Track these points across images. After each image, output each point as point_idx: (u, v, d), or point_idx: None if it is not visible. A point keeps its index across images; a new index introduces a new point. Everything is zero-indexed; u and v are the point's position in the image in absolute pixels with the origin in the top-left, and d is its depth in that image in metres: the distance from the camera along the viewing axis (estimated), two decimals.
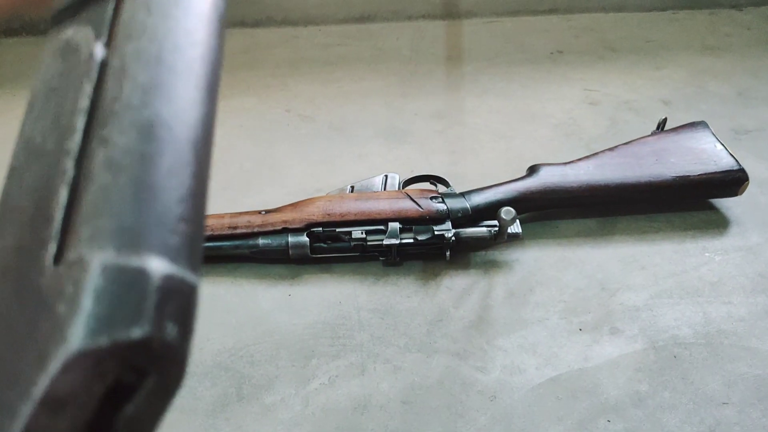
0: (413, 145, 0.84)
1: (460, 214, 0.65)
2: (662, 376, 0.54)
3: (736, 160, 0.68)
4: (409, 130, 0.87)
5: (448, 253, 0.65)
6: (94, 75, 0.23)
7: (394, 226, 0.64)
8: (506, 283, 0.63)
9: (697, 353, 0.56)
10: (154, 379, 0.19)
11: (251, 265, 0.66)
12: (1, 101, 0.96)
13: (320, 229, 0.64)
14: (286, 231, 0.64)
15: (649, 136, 0.73)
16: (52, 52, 0.25)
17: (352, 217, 0.64)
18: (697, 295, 0.62)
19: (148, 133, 0.21)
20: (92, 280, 0.18)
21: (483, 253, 0.67)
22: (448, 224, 0.64)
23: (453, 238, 0.63)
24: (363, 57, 1.05)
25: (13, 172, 0.23)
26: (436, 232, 0.64)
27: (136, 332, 0.18)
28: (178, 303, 0.19)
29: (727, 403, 0.52)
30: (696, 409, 0.52)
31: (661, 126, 0.75)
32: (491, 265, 0.65)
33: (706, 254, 0.66)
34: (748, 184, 0.68)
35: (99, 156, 0.20)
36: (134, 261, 0.19)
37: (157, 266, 0.19)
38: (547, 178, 0.68)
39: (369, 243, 0.64)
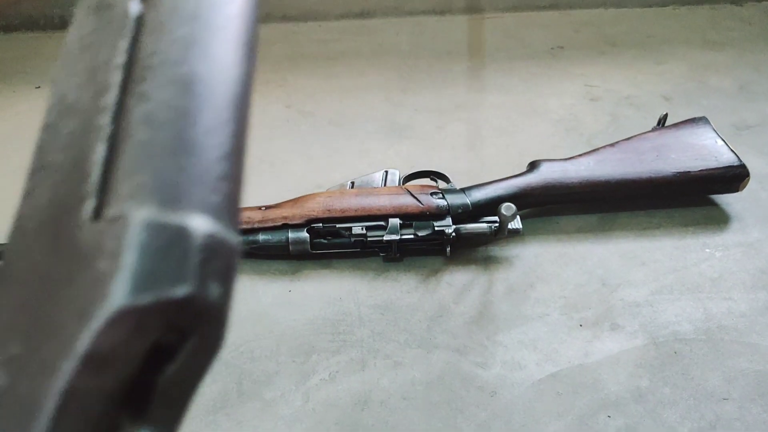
0: (413, 141, 0.83)
1: (460, 210, 0.65)
2: (663, 372, 0.54)
3: (737, 156, 0.68)
4: (410, 125, 0.87)
5: (448, 249, 0.65)
6: (129, 31, 0.22)
7: (395, 221, 0.64)
8: (506, 279, 0.63)
9: (697, 349, 0.56)
10: (195, 339, 0.19)
11: (251, 261, 0.66)
12: (1, 97, 0.96)
13: (320, 224, 0.64)
14: (286, 227, 0.64)
15: (649, 131, 0.73)
16: (86, 10, 0.24)
17: (353, 213, 0.64)
18: (697, 290, 0.62)
19: (187, 88, 0.20)
20: (134, 237, 0.18)
21: (483, 248, 0.67)
22: (449, 220, 0.64)
23: (453, 234, 0.63)
24: (363, 52, 1.05)
25: (47, 129, 0.23)
26: (436, 228, 0.63)
27: (180, 290, 0.18)
28: (220, 262, 0.19)
29: (727, 399, 0.52)
30: (696, 404, 0.52)
31: (661, 122, 0.74)
32: (491, 261, 0.65)
33: (707, 250, 0.66)
34: (748, 179, 0.68)
35: (137, 111, 0.20)
36: (176, 218, 0.18)
37: (200, 224, 0.19)
38: (547, 173, 0.68)
39: (369, 239, 0.64)
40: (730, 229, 0.68)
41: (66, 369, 0.17)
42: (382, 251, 0.66)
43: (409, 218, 0.64)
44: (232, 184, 0.20)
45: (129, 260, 0.17)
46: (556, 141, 0.82)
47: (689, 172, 0.68)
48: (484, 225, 0.64)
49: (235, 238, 0.19)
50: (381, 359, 0.56)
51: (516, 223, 0.64)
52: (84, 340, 0.17)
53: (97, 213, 0.19)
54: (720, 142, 0.70)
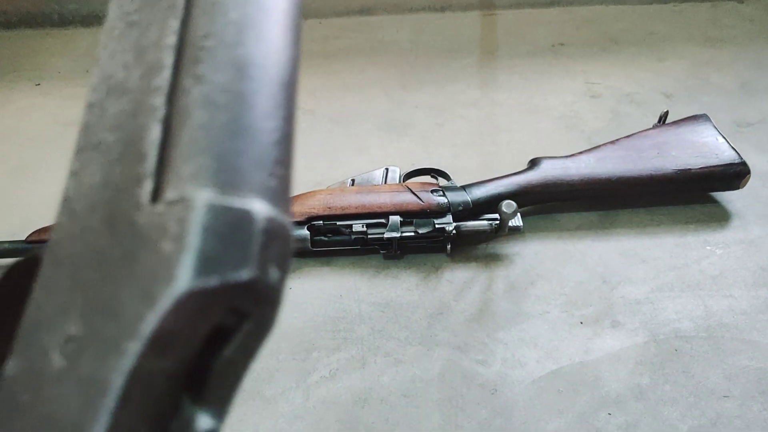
0: (414, 138, 0.83)
1: (461, 208, 0.65)
2: (663, 370, 0.54)
3: (738, 153, 0.68)
4: (410, 122, 0.87)
5: (448, 247, 0.65)
6: (179, 11, 0.22)
7: (395, 219, 0.64)
8: (507, 277, 0.63)
9: (698, 346, 0.56)
10: (251, 321, 0.19)
11: None
12: (1, 95, 0.96)
13: (321, 222, 0.64)
14: None
15: (650, 129, 0.73)
16: None
17: (353, 210, 0.64)
18: (698, 288, 0.62)
19: (244, 71, 0.20)
20: (199, 219, 0.18)
21: (484, 246, 0.67)
22: (449, 217, 0.64)
23: (454, 232, 0.63)
24: (363, 49, 1.05)
25: (93, 108, 0.22)
26: (436, 226, 0.63)
27: (244, 274, 0.18)
28: (279, 246, 0.19)
29: (728, 397, 0.52)
30: (697, 402, 0.52)
31: (662, 119, 0.74)
32: (492, 259, 0.65)
33: (708, 247, 0.66)
34: (749, 177, 0.68)
35: (195, 93, 0.20)
36: (239, 201, 0.18)
37: (261, 208, 0.19)
38: (548, 171, 0.68)
39: (370, 236, 0.64)
40: (730, 226, 0.68)
41: (132, 350, 0.17)
42: (383, 248, 0.65)
43: (409, 216, 0.64)
44: (286, 169, 0.20)
45: (194, 243, 0.17)
46: (556, 138, 0.82)
47: (690, 169, 0.67)
48: (485, 222, 0.64)
49: (289, 223, 0.20)
50: (381, 357, 0.56)
51: (516, 221, 0.64)
52: (150, 322, 0.17)
53: (156, 195, 0.19)
54: (721, 140, 0.70)
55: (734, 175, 0.67)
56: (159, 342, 0.17)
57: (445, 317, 0.59)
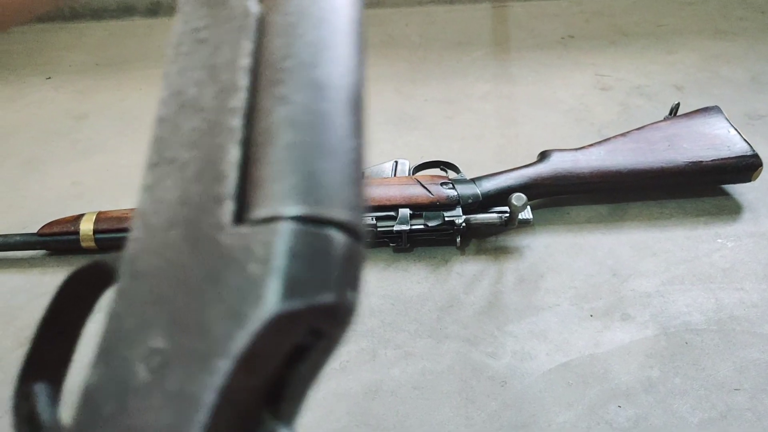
0: (423, 131, 0.83)
1: (470, 200, 0.64)
2: (673, 362, 0.54)
3: (750, 146, 0.68)
4: (419, 116, 0.87)
5: (458, 240, 0.65)
6: (252, 32, 0.22)
7: (405, 212, 0.64)
8: (517, 270, 0.63)
9: (708, 339, 0.56)
10: (326, 339, 0.19)
11: None
12: (12, 88, 0.97)
13: None
14: None
15: (661, 121, 0.73)
16: (195, 1, 0.24)
17: None
18: (709, 281, 0.61)
19: (323, 92, 0.21)
20: (285, 242, 0.18)
21: (493, 239, 0.67)
22: (459, 210, 0.64)
23: (463, 225, 0.63)
24: (372, 43, 1.05)
25: (164, 123, 0.23)
26: (446, 218, 0.63)
27: (328, 297, 0.18)
28: (356, 269, 0.20)
29: (738, 389, 0.52)
30: (707, 395, 0.52)
31: (673, 111, 0.74)
32: (502, 252, 0.65)
33: (719, 240, 0.66)
34: (761, 169, 0.67)
35: (278, 114, 0.20)
36: (324, 224, 0.19)
37: (343, 231, 0.19)
38: (558, 164, 0.68)
39: (379, 229, 0.64)
40: (742, 219, 0.68)
41: (223, 368, 0.17)
42: (392, 242, 0.66)
43: (419, 208, 0.64)
44: (361, 189, 0.21)
45: (281, 265, 0.18)
46: (566, 131, 0.82)
47: (701, 161, 0.67)
48: (495, 215, 0.64)
49: (364, 244, 0.20)
50: (391, 349, 0.56)
51: (526, 214, 0.64)
52: (240, 342, 0.17)
53: (240, 216, 0.20)
54: (732, 132, 0.69)
55: (746, 167, 0.67)
56: (248, 361, 0.18)
57: (455, 310, 0.59)
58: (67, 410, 0.23)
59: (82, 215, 0.65)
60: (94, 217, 0.64)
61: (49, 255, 0.67)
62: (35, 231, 0.65)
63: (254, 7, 0.23)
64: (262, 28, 0.23)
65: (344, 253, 0.19)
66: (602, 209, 0.70)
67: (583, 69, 0.95)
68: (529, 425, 0.50)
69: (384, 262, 0.65)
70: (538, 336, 0.57)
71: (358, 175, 0.20)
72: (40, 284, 0.64)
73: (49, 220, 0.66)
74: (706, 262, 0.63)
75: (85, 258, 0.69)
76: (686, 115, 0.73)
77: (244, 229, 0.19)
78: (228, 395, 0.17)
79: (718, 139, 0.69)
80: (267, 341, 0.18)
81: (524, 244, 0.66)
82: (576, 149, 0.69)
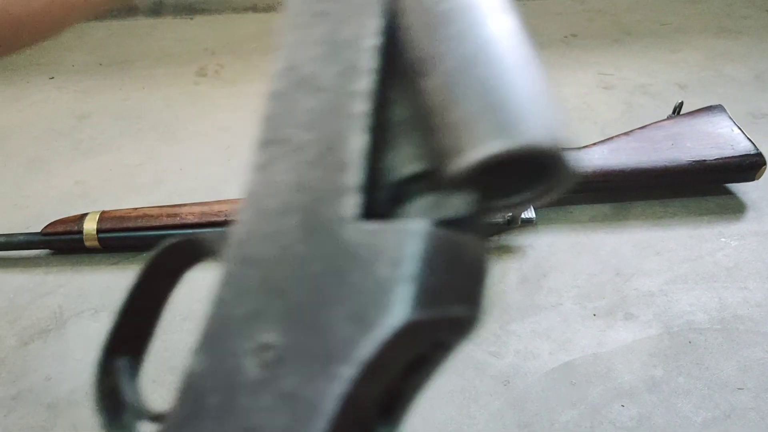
0: None
1: None
2: (677, 362, 0.54)
3: (754, 144, 0.68)
4: None
5: None
6: (376, 9, 0.21)
7: None
8: (519, 269, 0.63)
9: (712, 339, 0.56)
10: (445, 350, 0.19)
11: None
12: (16, 89, 0.97)
13: None
14: None
15: (664, 120, 0.72)
16: None
17: None
18: (712, 280, 0.61)
19: (494, 27, 0.20)
20: (418, 245, 0.17)
21: (496, 238, 0.67)
22: None
23: None
24: None
25: (279, 98, 0.22)
26: None
27: (461, 311, 0.17)
28: (485, 279, 0.19)
29: (742, 389, 0.52)
30: (711, 394, 0.52)
31: (677, 110, 0.74)
32: (504, 251, 0.65)
33: (722, 239, 0.66)
34: (765, 168, 0.67)
35: (459, 52, 0.19)
36: (458, 235, 0.18)
37: (477, 242, 0.19)
38: None
39: None
40: (746, 218, 0.68)
41: (345, 375, 0.16)
42: None
43: None
44: (558, 112, 0.20)
45: (414, 271, 0.17)
46: (569, 130, 0.81)
47: (705, 160, 0.67)
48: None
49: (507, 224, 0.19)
50: None
51: (529, 213, 0.64)
52: (366, 349, 0.16)
53: (367, 211, 0.19)
54: (736, 131, 0.69)
55: (750, 166, 0.67)
56: (371, 369, 0.17)
57: None
58: (146, 386, 0.23)
59: (85, 214, 0.65)
60: (98, 216, 0.65)
61: (53, 254, 0.67)
62: (39, 230, 0.65)
63: None
64: (390, 6, 0.21)
65: (479, 260, 0.18)
66: (605, 208, 0.70)
67: (586, 68, 0.95)
68: (532, 424, 0.50)
69: None
70: (541, 335, 0.57)
71: (552, 100, 0.19)
72: (44, 284, 0.64)
73: (53, 220, 0.66)
74: (709, 261, 0.63)
75: (89, 258, 0.69)
76: (690, 113, 0.72)
77: (370, 227, 0.18)
78: (348, 403, 0.16)
79: (721, 138, 0.69)
80: (393, 350, 0.17)
81: (526, 244, 0.66)
82: (579, 148, 0.69)
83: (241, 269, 0.19)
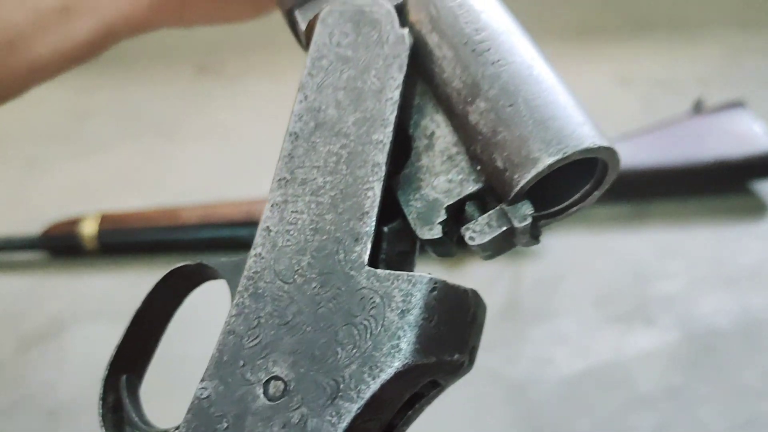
0: None
1: None
2: (697, 368, 0.53)
3: None
4: None
5: None
6: (403, 62, 0.22)
7: None
8: (534, 272, 0.62)
9: (734, 344, 0.55)
10: (439, 389, 0.21)
11: None
12: None
13: None
14: None
15: (684, 117, 0.71)
16: (339, 15, 0.24)
17: None
18: (734, 283, 0.60)
19: (528, 52, 0.23)
20: (424, 295, 0.19)
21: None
22: None
23: None
24: None
25: (299, 140, 0.23)
26: None
27: (457, 357, 0.20)
28: (481, 326, 0.22)
29: (764, 396, 0.51)
30: (732, 401, 0.51)
31: (697, 106, 0.72)
32: (519, 253, 0.64)
33: (744, 240, 0.64)
34: None
35: (505, 73, 0.22)
36: (457, 286, 0.20)
37: (473, 293, 0.21)
38: None
39: None
40: None
41: (350, 410, 0.18)
42: None
43: None
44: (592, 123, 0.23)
45: (419, 319, 0.19)
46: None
47: (726, 159, 0.66)
48: None
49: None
50: None
51: None
52: (371, 388, 0.18)
53: (376, 260, 0.21)
54: (759, 128, 0.68)
55: None
56: (373, 406, 0.19)
57: None
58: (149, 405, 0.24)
59: (85, 216, 0.65)
60: (98, 218, 0.64)
61: (52, 256, 0.67)
62: (37, 232, 0.65)
63: (408, 38, 0.23)
64: (420, 60, 0.23)
65: (476, 311, 0.21)
66: (623, 208, 0.68)
67: (601, 62, 0.93)
68: None
69: None
70: (556, 341, 0.56)
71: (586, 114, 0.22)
72: (43, 287, 0.63)
73: (52, 221, 0.65)
74: (731, 263, 0.62)
75: (89, 260, 0.68)
76: (710, 110, 0.71)
77: (381, 274, 0.20)
78: None
79: (743, 135, 0.67)
80: (394, 389, 0.19)
81: (542, 245, 0.64)
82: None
83: (252, 303, 0.21)
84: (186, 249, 0.64)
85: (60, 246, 0.65)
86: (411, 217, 0.22)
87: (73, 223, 0.64)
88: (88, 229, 0.64)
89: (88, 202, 0.73)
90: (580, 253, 0.64)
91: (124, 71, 0.98)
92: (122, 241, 0.64)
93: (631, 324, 0.57)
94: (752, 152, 0.66)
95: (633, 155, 0.67)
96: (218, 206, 0.64)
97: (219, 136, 0.82)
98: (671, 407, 0.50)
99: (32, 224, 0.69)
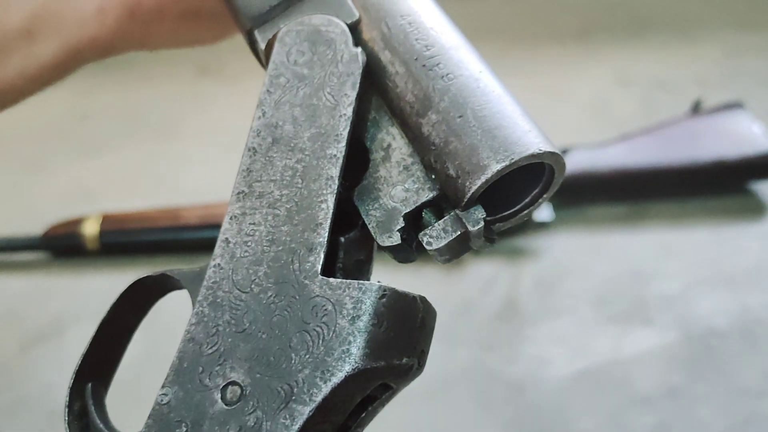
0: None
1: None
2: (696, 368, 0.53)
3: None
4: None
5: None
6: (356, 80, 0.23)
7: None
8: (533, 272, 0.62)
9: (732, 344, 0.55)
10: (391, 392, 0.22)
11: None
12: None
13: None
14: None
15: (683, 117, 0.71)
16: (296, 34, 0.25)
17: None
18: (733, 283, 0.60)
19: (475, 65, 0.24)
20: (373, 305, 0.20)
21: (509, 240, 0.66)
22: None
23: None
24: None
25: (257, 155, 0.24)
26: None
27: (406, 360, 0.21)
28: (431, 331, 0.22)
29: (763, 395, 0.51)
30: (731, 401, 0.51)
31: (695, 107, 0.73)
32: (518, 253, 0.64)
33: (743, 241, 0.64)
34: None
35: (455, 86, 0.23)
36: (406, 294, 0.21)
37: (423, 299, 0.22)
38: (576, 162, 0.66)
39: None
40: (767, 218, 0.66)
41: (303, 412, 0.19)
42: None
43: None
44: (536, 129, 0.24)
45: (369, 325, 0.20)
46: (584, 127, 0.80)
47: (725, 159, 0.66)
48: None
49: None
50: None
51: (545, 215, 0.63)
52: (323, 391, 0.19)
53: (329, 270, 0.22)
54: (757, 129, 0.68)
55: None
56: (325, 408, 0.19)
57: (469, 314, 0.59)
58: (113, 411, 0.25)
59: (86, 217, 0.65)
60: (99, 218, 0.64)
61: (54, 257, 0.67)
62: (39, 233, 0.65)
63: (362, 56, 0.24)
64: (369, 77, 0.24)
65: (425, 321, 0.21)
66: (621, 208, 0.69)
67: (601, 63, 0.93)
68: None
69: (394, 262, 0.64)
70: (556, 341, 0.56)
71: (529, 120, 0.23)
72: (44, 288, 0.64)
73: (54, 222, 0.65)
74: (730, 263, 0.62)
75: (90, 261, 0.68)
76: (709, 111, 0.71)
77: (332, 284, 0.20)
78: None
79: (742, 136, 0.67)
80: (345, 392, 0.20)
81: (541, 245, 0.65)
82: (595, 147, 0.68)
83: (211, 311, 0.22)
84: (186, 249, 0.64)
85: (61, 246, 0.65)
86: (371, 226, 0.23)
87: (75, 224, 0.64)
88: (90, 229, 0.64)
89: (89, 203, 0.73)
90: (579, 253, 0.64)
91: (126, 72, 0.99)
92: (123, 241, 0.64)
93: (630, 324, 0.57)
94: (750, 153, 0.66)
95: (632, 156, 0.67)
96: (218, 206, 0.64)
97: (219, 136, 0.82)
98: (670, 407, 0.50)
99: (33, 225, 0.69)
